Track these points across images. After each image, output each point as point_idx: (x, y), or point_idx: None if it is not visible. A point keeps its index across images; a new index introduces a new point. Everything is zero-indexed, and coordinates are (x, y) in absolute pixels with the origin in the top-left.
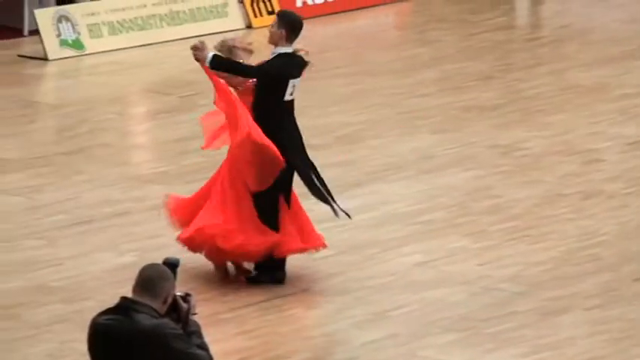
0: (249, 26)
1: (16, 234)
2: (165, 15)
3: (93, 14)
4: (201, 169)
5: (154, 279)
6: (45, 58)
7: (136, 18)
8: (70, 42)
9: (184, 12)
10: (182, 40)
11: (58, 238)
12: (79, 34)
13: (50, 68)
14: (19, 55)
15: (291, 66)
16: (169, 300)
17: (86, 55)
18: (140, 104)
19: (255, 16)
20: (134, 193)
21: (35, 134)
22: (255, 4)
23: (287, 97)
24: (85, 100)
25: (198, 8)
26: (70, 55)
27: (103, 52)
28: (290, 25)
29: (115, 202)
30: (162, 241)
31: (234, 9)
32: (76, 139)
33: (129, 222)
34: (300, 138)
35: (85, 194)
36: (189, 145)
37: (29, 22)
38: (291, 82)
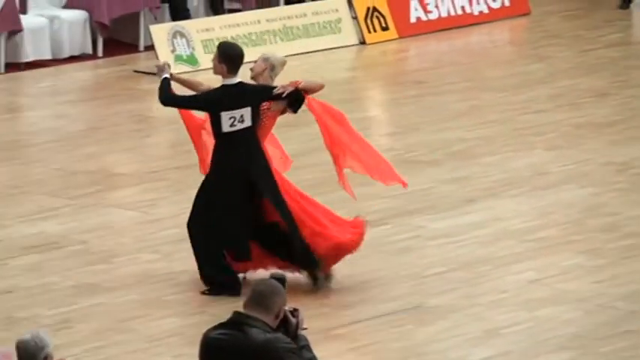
0: (362, 42)
1: (132, 248)
2: (279, 30)
3: (207, 30)
4: (314, 184)
5: (266, 294)
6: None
7: (250, 34)
8: (185, 57)
9: (298, 28)
10: (296, 56)
11: (172, 253)
12: (193, 49)
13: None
14: (134, 71)
15: (227, 98)
16: (281, 315)
17: (200, 70)
18: None
19: (369, 31)
20: None
21: (150, 149)
22: (369, 20)
23: (225, 129)
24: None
25: (312, 24)
26: (185, 70)
27: None
28: (228, 59)
29: None
30: None
31: (347, 25)
32: (189, 154)
33: None
34: (234, 175)
35: None
36: (302, 161)
37: (145, 37)
38: (226, 114)
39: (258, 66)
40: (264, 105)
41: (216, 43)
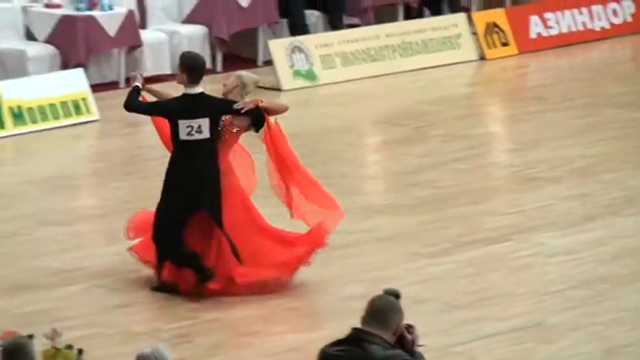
0: (482, 58)
1: None
2: (398, 46)
3: (326, 45)
4: (431, 201)
5: (385, 310)
6: (279, 89)
7: (368, 49)
8: (303, 72)
9: (417, 43)
10: (414, 72)
11: None
12: (312, 64)
13: (284, 98)
14: None
15: (184, 107)
16: (398, 331)
17: (319, 85)
18: (372, 135)
19: (489, 47)
20: (365, 224)
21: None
22: (488, 36)
23: (183, 137)
24: (318, 130)
25: (431, 39)
26: (303, 85)
27: (335, 82)
28: (189, 69)
29: (346, 233)
30: (392, 273)
31: (467, 40)
32: (309, 169)
33: (359, 252)
34: (180, 183)
35: None
36: (419, 177)
37: (263, 53)
38: (183, 122)
39: (230, 83)
40: (226, 120)
41: (336, 59)
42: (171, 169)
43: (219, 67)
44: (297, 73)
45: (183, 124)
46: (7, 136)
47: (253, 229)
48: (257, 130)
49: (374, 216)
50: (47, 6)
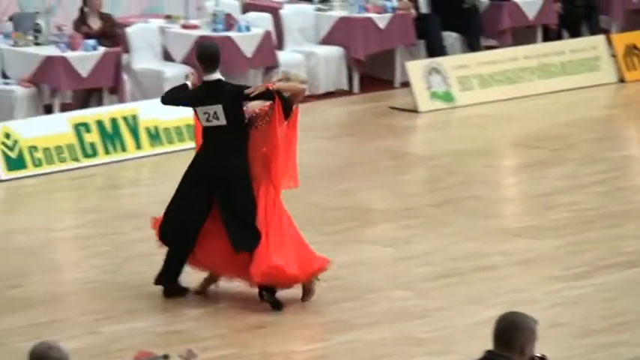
0: (621, 80)
1: (385, 284)
2: (536, 68)
3: (464, 67)
4: (569, 224)
5: (508, 330)
6: (415, 110)
7: (506, 71)
8: (441, 94)
9: (555, 65)
10: (552, 94)
11: (425, 290)
12: (449, 86)
13: (420, 120)
14: (390, 107)
15: (200, 95)
16: (527, 352)
17: (456, 107)
18: (509, 157)
19: (629, 69)
20: (501, 247)
21: (405, 186)
22: (628, 58)
23: (204, 123)
24: (455, 152)
25: (570, 61)
26: (440, 107)
27: (472, 104)
28: (202, 57)
29: (483, 255)
30: (529, 296)
31: (606, 62)
32: (445, 191)
33: (496, 275)
34: (204, 169)
35: (452, 246)
36: (556, 200)
37: (400, 74)
38: (200, 109)
39: (275, 79)
40: (256, 109)
41: (473, 81)
42: (195, 155)
43: (355, 89)
44: (434, 95)
45: (200, 111)
46: (144, 157)
47: (281, 221)
48: (286, 119)
49: (511, 239)
50: (184, 27)
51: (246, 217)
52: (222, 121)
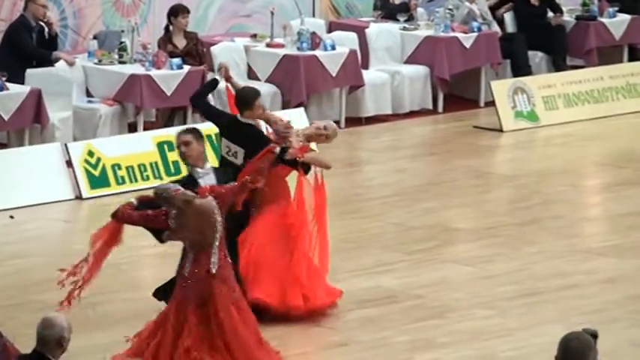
0: None
1: (467, 304)
2: (622, 87)
3: (549, 86)
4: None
5: (580, 350)
6: (500, 130)
7: (592, 90)
8: (525, 114)
9: None
10: (638, 113)
11: (507, 309)
12: (534, 105)
13: (505, 139)
14: (474, 126)
15: (230, 129)
16: None
17: (540, 127)
18: (593, 177)
19: None
20: (584, 266)
21: (488, 204)
22: None
23: (223, 152)
24: (539, 171)
25: None
26: (525, 126)
27: (557, 124)
28: (238, 101)
29: (565, 274)
30: (611, 315)
31: None
32: (528, 211)
33: (578, 294)
34: None
35: (535, 265)
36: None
37: (485, 93)
38: (225, 141)
39: (317, 129)
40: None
41: (558, 100)
42: None
43: (440, 108)
44: (518, 114)
45: (224, 142)
46: None
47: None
48: (306, 172)
49: (594, 258)
50: (269, 45)
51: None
52: (239, 162)
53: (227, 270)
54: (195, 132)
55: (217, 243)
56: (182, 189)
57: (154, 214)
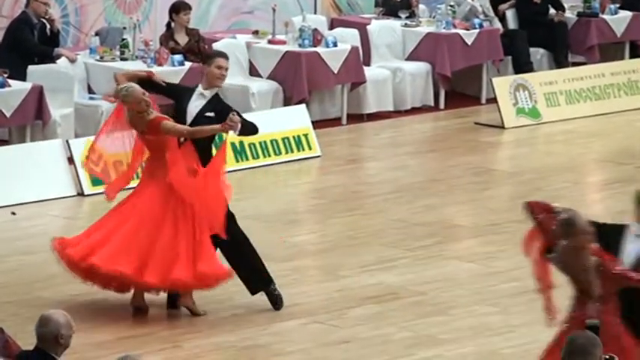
0: None
1: (469, 300)
2: (624, 84)
3: (550, 83)
4: None
5: (588, 347)
6: (501, 126)
7: (593, 87)
8: (527, 110)
9: None
10: (639, 110)
11: (510, 306)
12: (535, 102)
13: (506, 136)
14: (475, 123)
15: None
16: None
17: (542, 123)
18: (595, 173)
19: None
20: None
21: (489, 201)
22: None
23: None
24: (540, 168)
25: None
26: (526, 123)
27: (558, 120)
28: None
29: None
30: None
31: None
32: None
33: None
34: None
35: None
36: None
37: (487, 90)
38: None
39: None
40: None
41: (560, 97)
42: None
43: (441, 104)
44: (520, 111)
45: None
46: (229, 172)
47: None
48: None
49: None
50: (271, 42)
51: None
52: None
53: None
54: None
55: None
56: None
57: None
